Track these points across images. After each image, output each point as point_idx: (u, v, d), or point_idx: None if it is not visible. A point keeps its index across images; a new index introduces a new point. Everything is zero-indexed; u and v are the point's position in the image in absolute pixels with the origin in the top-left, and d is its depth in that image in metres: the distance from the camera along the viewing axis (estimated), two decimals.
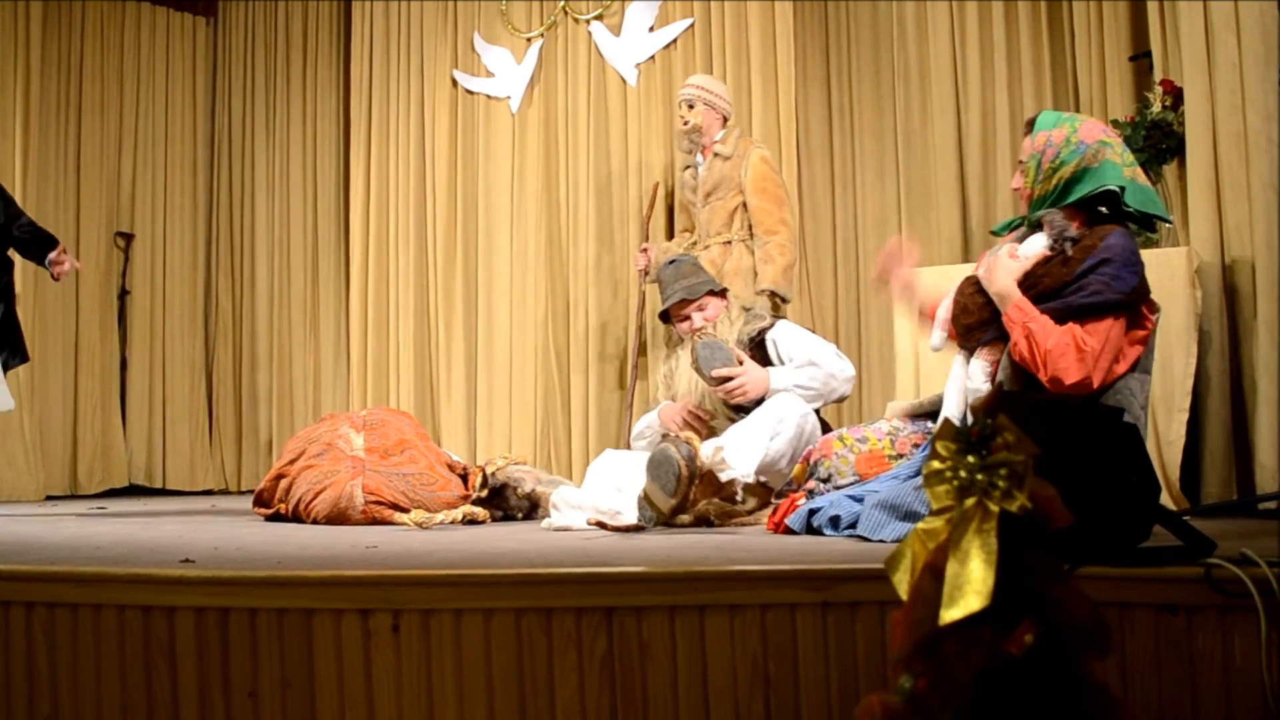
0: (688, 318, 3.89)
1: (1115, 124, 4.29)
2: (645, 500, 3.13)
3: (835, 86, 5.78)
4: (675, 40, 5.83)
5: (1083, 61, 4.95)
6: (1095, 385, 2.64)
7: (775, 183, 5.03)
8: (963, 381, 2.85)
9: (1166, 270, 3.83)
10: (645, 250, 5.44)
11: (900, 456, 3.06)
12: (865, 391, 5.49)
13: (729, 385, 3.58)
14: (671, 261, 4.02)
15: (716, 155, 5.09)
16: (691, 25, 5.79)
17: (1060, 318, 2.66)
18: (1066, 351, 2.62)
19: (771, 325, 3.82)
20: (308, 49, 7.21)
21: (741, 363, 3.61)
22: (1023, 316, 2.68)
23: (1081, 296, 2.65)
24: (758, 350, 3.75)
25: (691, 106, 5.13)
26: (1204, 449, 3.83)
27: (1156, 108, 4.16)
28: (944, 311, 2.93)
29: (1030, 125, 2.84)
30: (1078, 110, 4.94)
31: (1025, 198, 2.84)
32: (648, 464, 3.13)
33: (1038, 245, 2.75)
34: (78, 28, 6.75)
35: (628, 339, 5.65)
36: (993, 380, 2.78)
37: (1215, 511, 3.56)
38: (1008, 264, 2.74)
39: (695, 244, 5.15)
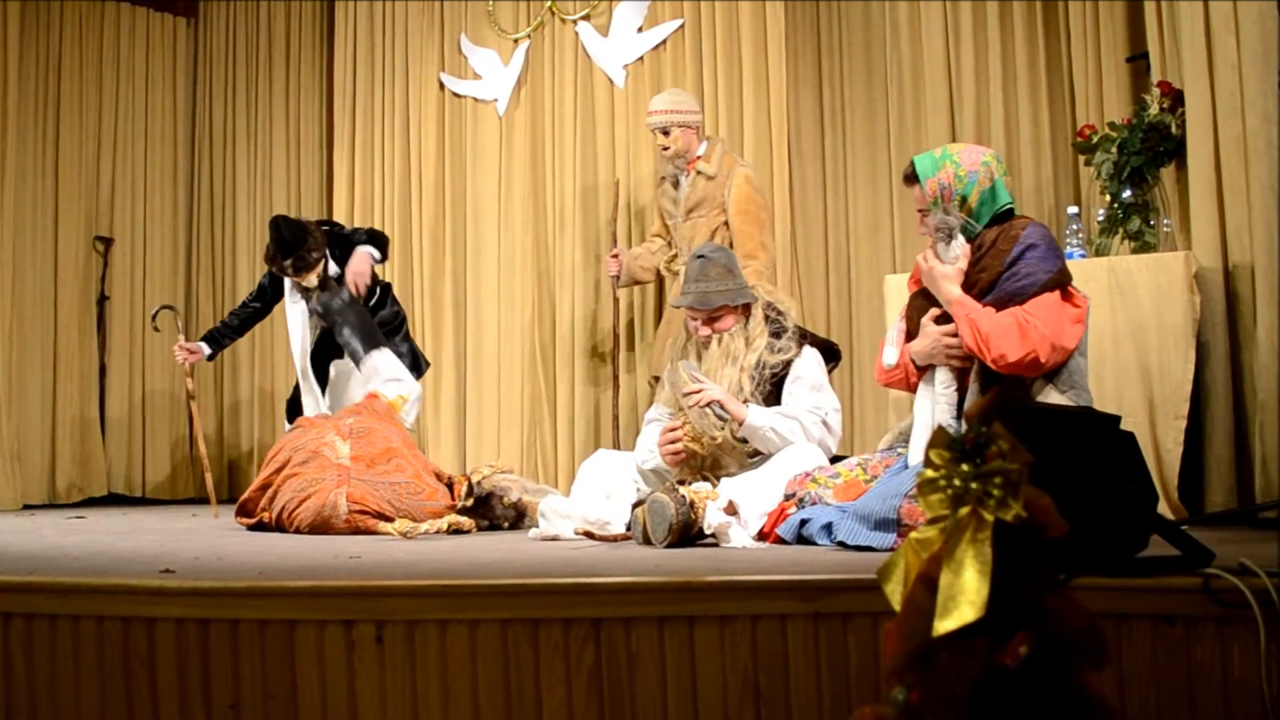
0: (696, 321, 3.67)
1: (1112, 126, 4.26)
2: (641, 527, 3.11)
3: (827, 88, 5.74)
4: (664, 41, 5.79)
5: (1079, 63, 4.91)
6: (1045, 360, 2.83)
7: (758, 204, 4.98)
8: (930, 393, 2.98)
9: (1164, 275, 3.80)
10: (616, 256, 5.34)
11: (874, 478, 3.12)
12: (860, 393, 5.46)
13: (693, 399, 3.46)
14: (700, 255, 3.67)
15: (700, 173, 5.03)
16: (681, 26, 5.75)
17: (1002, 305, 2.87)
18: (1008, 331, 2.82)
19: (797, 356, 3.60)
20: (290, 50, 7.13)
21: (699, 381, 3.48)
22: (963, 309, 2.90)
23: (1016, 281, 2.88)
24: (776, 387, 3.56)
25: (667, 133, 5.04)
26: (1208, 457, 3.78)
27: (1154, 110, 4.12)
28: (895, 332, 3.14)
29: (910, 177, 3.06)
30: (1074, 111, 4.93)
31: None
32: (649, 503, 3.10)
33: (956, 250, 2.96)
34: (56, 28, 6.64)
35: (612, 344, 5.59)
36: (960, 384, 2.95)
37: (1214, 521, 3.54)
38: (945, 270, 2.94)
39: (675, 256, 5.08)
